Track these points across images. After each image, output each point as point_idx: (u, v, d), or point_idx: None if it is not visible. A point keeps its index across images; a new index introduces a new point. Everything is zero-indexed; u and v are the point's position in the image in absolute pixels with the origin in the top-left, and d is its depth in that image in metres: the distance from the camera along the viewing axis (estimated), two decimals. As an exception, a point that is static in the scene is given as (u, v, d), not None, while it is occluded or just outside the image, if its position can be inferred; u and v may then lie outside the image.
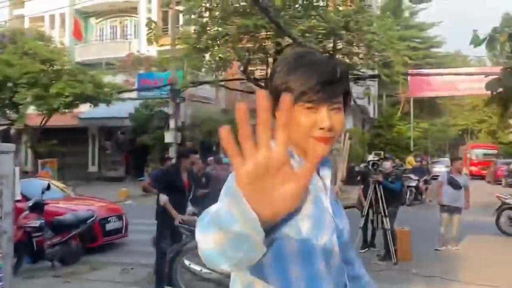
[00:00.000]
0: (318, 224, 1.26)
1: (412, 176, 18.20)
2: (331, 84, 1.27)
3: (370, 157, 11.07)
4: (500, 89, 4.81)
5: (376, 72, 21.83)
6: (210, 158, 10.82)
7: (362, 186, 10.10)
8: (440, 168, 27.05)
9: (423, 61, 36.44)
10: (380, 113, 37.11)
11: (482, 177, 30.53)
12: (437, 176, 14.57)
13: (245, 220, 0.84)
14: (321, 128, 1.26)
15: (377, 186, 9.02)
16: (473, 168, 32.41)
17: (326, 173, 1.39)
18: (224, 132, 0.81)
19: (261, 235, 0.86)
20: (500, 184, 26.68)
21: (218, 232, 0.89)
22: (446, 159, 31.74)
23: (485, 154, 34.33)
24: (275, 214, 0.84)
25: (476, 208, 11.45)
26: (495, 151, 35.95)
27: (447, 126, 51.78)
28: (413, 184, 17.59)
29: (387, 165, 10.23)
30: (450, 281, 7.18)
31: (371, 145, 28.26)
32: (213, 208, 0.98)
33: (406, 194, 16.35)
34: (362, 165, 10.85)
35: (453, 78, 22.00)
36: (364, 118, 33.24)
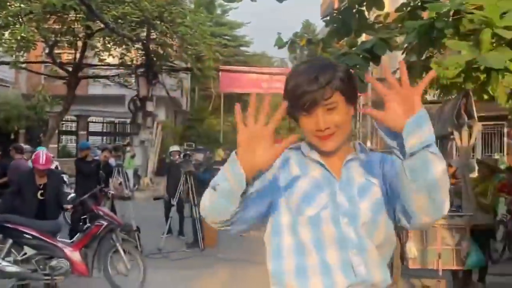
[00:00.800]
0: (307, 199, 1.49)
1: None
2: (314, 92, 1.44)
3: (172, 148, 11.18)
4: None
5: (189, 65, 22.22)
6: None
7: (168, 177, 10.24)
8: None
9: (232, 58, 38.14)
10: (192, 106, 37.84)
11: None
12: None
13: (234, 174, 1.31)
14: (318, 130, 1.48)
15: (188, 176, 9.24)
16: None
17: (351, 164, 1.56)
18: (238, 109, 1.35)
19: (242, 189, 1.31)
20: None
21: (212, 192, 1.38)
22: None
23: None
24: (252, 168, 1.31)
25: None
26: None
27: (252, 121, 55.06)
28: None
29: (200, 156, 10.53)
30: (251, 263, 7.68)
31: (183, 137, 28.66)
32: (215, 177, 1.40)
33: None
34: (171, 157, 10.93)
35: (259, 77, 23.55)
36: (177, 111, 33.56)
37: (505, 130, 17.48)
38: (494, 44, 3.36)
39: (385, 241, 1.51)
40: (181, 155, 10.43)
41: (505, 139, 17.57)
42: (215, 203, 1.38)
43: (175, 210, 9.53)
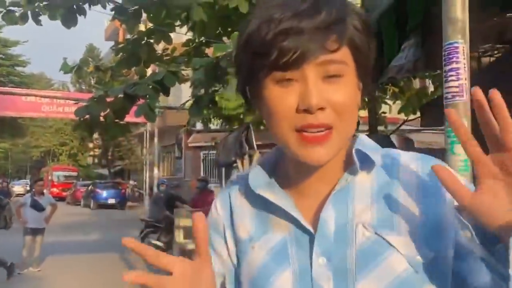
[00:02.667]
0: (274, 261, 0.81)
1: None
2: (307, 32, 0.71)
3: None
4: (87, 116, 5.22)
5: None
6: None
7: None
8: (19, 188, 26.59)
9: (7, 78, 34.80)
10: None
11: (62, 199, 31.25)
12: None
13: None
14: (305, 110, 0.73)
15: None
16: (55, 190, 32.82)
17: (347, 197, 0.80)
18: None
19: None
20: (79, 205, 28.15)
21: None
22: (26, 181, 31.21)
23: (66, 176, 35.46)
24: None
25: (55, 228, 11.67)
26: (75, 173, 37.56)
27: (29, 147, 50.80)
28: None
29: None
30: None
31: None
32: None
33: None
34: None
35: (38, 100, 21.92)
36: None
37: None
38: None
39: None
40: None
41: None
42: None
43: None
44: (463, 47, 1.65)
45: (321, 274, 0.76)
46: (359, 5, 3.56)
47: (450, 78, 1.64)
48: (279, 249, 0.80)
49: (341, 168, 0.81)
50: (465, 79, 1.63)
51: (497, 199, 0.66)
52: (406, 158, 0.82)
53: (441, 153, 1.63)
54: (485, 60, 5.70)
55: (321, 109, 0.73)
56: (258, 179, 0.84)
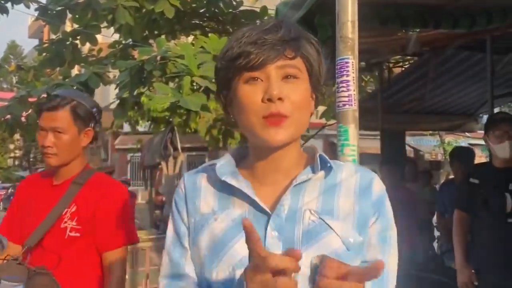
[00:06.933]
0: (216, 252, 0.98)
1: None
2: (271, 43, 0.94)
3: None
4: (8, 116, 5.12)
5: None
6: None
7: None
8: None
9: None
10: None
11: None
12: None
13: None
14: (268, 100, 0.93)
15: None
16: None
17: (304, 188, 1.00)
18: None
19: None
20: (-1, 208, 26.81)
21: None
22: None
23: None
24: None
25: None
26: None
27: None
28: None
29: None
30: None
31: None
32: None
33: None
34: None
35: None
36: None
37: (207, 160, 19.59)
38: (195, 87, 3.97)
39: None
40: None
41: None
42: None
43: None
44: (353, 62, 1.89)
45: (272, 244, 0.94)
46: (273, 16, 3.80)
47: (341, 89, 1.88)
48: (238, 221, 0.96)
49: (296, 164, 1.03)
50: (354, 90, 1.86)
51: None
52: (349, 168, 1.06)
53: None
54: (397, 70, 6.17)
55: (280, 99, 0.93)
56: (225, 168, 1.03)
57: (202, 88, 3.78)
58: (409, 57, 5.57)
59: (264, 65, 0.94)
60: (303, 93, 0.97)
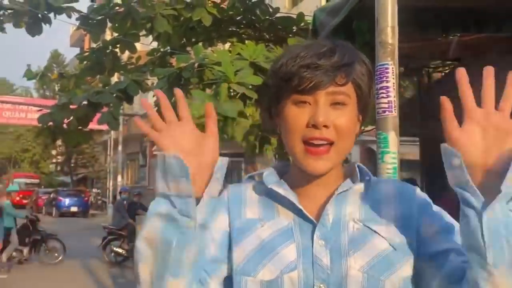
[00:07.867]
0: (262, 254, 0.98)
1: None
2: (323, 68, 0.94)
3: None
4: (51, 123, 5.27)
5: None
6: None
7: None
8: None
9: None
10: None
11: (23, 206, 30.53)
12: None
13: (179, 193, 0.87)
14: (313, 126, 0.95)
15: None
16: (16, 197, 32.07)
17: (345, 198, 1.02)
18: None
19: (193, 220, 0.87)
20: (41, 213, 27.51)
21: (144, 245, 0.88)
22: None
23: (27, 184, 34.62)
24: (201, 175, 0.91)
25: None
26: (37, 181, 36.75)
27: (-11, 153, 49.52)
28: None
29: None
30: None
31: None
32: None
33: None
34: None
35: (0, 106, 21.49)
36: None
37: (243, 165, 19.61)
38: (232, 94, 3.99)
39: None
40: None
41: (243, 173, 19.69)
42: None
43: None
44: (393, 68, 1.85)
45: (320, 251, 0.96)
46: (310, 24, 3.78)
47: (381, 95, 1.84)
48: (285, 229, 0.99)
49: (336, 177, 1.03)
50: (394, 96, 1.83)
51: (475, 140, 0.85)
52: (389, 181, 1.16)
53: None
54: (436, 75, 6.03)
55: (326, 126, 0.94)
56: (271, 177, 1.05)
57: (239, 95, 3.79)
58: (449, 62, 5.44)
59: (315, 91, 0.94)
60: (350, 119, 0.98)
